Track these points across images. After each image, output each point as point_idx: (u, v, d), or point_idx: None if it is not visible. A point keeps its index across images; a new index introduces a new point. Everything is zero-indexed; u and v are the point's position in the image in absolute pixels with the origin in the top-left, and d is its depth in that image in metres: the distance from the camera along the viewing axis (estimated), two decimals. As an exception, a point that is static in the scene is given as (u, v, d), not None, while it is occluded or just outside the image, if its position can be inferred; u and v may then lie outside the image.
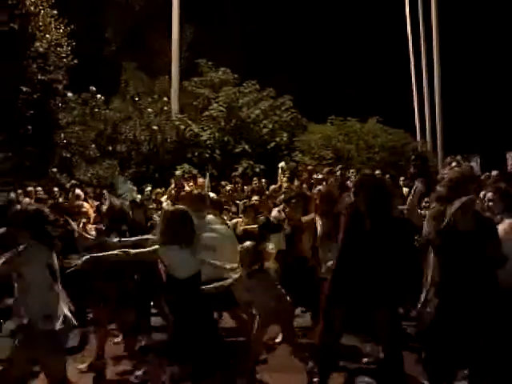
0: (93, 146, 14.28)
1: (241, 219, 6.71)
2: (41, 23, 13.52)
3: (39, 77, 13.27)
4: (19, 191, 9.56)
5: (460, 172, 4.09)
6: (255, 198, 8.29)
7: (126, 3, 20.48)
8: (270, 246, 5.46)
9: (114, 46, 20.76)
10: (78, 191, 9.35)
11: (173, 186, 10.22)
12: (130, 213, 5.69)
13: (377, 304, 3.77)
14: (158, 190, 10.40)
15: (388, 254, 3.75)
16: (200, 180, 10.58)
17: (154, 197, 9.42)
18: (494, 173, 8.60)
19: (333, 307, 3.95)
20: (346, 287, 3.83)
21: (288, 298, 4.63)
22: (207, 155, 14.68)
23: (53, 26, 13.85)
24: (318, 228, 5.40)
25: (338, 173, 9.94)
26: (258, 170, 13.71)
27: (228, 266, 4.41)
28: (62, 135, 14.05)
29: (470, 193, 3.59)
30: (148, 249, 3.98)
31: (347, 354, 4.77)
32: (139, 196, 8.59)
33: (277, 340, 5.59)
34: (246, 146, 14.67)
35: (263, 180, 10.58)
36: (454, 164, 11.08)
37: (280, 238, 5.88)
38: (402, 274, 3.86)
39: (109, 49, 20.76)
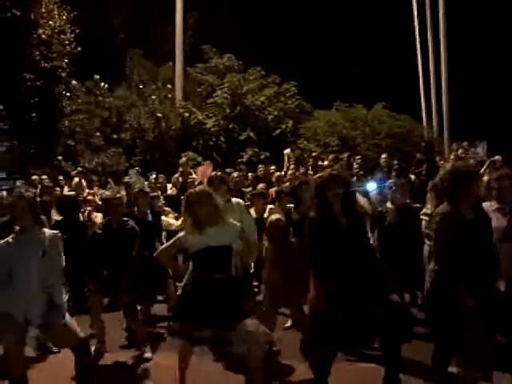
0: (97, 134, 14.24)
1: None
2: (43, 10, 13.42)
3: (42, 64, 13.20)
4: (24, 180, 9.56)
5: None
6: (261, 185, 8.21)
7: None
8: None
9: (118, 34, 20.60)
10: (79, 180, 9.38)
11: (178, 173, 10.13)
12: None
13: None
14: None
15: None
16: (200, 168, 10.34)
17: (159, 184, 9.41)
18: (498, 157, 8.45)
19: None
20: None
21: None
22: (212, 143, 14.61)
23: (56, 12, 13.76)
24: None
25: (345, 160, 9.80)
26: (263, 157, 13.62)
27: None
28: (67, 123, 14.03)
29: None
30: None
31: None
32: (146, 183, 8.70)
33: (286, 325, 5.58)
34: (251, 134, 14.57)
35: (272, 167, 10.36)
36: (460, 151, 11.00)
37: None
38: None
39: (113, 36, 20.59)
